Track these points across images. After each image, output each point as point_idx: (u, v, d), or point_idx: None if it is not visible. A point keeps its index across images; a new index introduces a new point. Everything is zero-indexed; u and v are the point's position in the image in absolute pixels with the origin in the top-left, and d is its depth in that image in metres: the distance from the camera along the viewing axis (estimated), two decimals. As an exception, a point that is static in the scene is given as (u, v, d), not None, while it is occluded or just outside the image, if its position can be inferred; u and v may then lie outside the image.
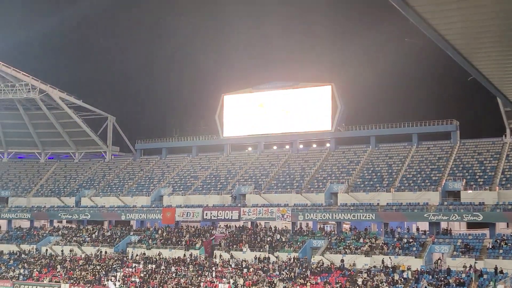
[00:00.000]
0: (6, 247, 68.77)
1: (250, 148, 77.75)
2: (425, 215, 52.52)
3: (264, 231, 59.92)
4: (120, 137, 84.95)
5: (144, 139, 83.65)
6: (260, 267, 52.35)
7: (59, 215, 72.36)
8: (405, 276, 46.61)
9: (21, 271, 61.54)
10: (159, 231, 64.92)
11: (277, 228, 60.05)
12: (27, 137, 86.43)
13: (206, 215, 61.70)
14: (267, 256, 54.41)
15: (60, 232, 70.93)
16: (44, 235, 70.69)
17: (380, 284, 45.59)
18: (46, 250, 66.11)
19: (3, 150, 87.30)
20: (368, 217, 55.24)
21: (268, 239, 57.57)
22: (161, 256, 59.02)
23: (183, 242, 60.77)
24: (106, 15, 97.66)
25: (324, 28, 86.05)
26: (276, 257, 54.30)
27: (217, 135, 76.64)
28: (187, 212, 63.18)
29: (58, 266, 60.92)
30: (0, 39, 76.65)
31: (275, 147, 76.87)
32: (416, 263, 48.07)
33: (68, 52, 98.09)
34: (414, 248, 50.55)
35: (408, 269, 47.25)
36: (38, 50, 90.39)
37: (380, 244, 52.37)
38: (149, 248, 61.47)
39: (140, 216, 67.54)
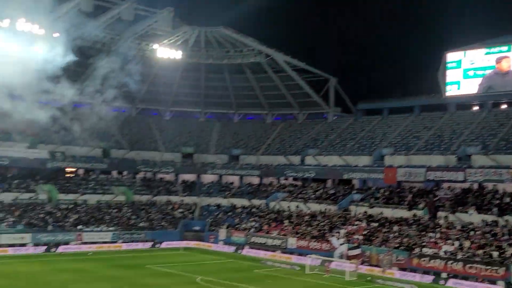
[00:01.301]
0: (238, 201, 74.67)
1: (476, 107, 74.15)
2: None
3: (491, 193, 57.41)
4: (341, 98, 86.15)
5: (366, 99, 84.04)
6: (487, 231, 50.49)
7: (285, 172, 76.38)
8: None
9: (252, 224, 66.44)
10: (381, 191, 65.47)
11: (505, 191, 57.13)
12: (254, 99, 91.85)
13: (429, 176, 60.72)
14: (495, 219, 52.21)
15: (286, 189, 74.95)
16: (272, 191, 75.22)
17: None
18: (274, 205, 70.38)
19: (234, 111, 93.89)
20: None
21: (496, 202, 55.10)
22: (383, 215, 59.67)
23: (406, 202, 60.67)
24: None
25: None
26: (506, 221, 51.84)
27: (439, 94, 74.18)
28: (409, 173, 62.72)
29: (286, 221, 64.63)
30: (231, 8, 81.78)
31: (504, 106, 72.31)
32: None
33: (291, 17, 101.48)
34: None
35: None
36: (264, 16, 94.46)
37: None
38: (371, 206, 62.41)
39: (362, 175, 68.59)
